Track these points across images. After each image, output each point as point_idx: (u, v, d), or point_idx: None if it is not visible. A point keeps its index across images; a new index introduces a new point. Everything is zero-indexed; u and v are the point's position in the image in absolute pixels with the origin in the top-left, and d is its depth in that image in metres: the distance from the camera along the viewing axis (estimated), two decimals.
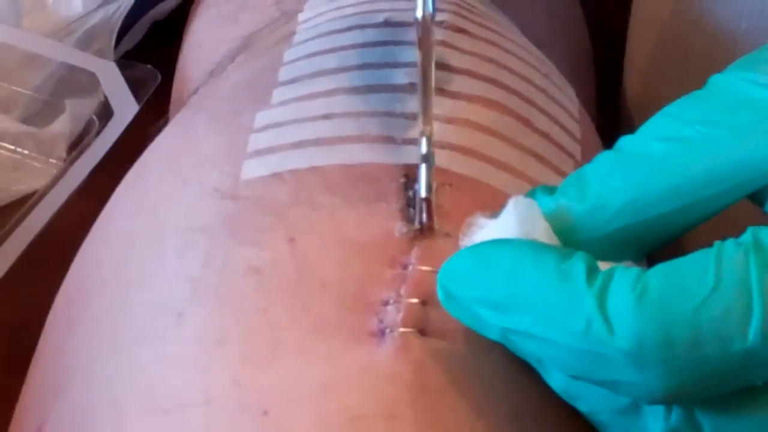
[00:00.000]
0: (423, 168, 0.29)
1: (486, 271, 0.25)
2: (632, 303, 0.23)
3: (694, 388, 0.23)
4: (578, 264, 0.24)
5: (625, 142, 0.26)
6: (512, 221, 0.26)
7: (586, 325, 0.23)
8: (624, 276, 0.23)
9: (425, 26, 0.29)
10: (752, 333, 0.22)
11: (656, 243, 0.26)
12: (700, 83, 0.28)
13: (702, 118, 0.25)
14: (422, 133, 0.29)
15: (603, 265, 0.25)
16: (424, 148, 0.29)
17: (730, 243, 0.23)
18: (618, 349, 0.23)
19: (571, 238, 0.26)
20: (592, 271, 0.24)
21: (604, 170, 0.26)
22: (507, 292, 0.24)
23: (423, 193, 0.29)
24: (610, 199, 0.25)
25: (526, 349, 0.25)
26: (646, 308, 0.23)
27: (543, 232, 0.26)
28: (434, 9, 0.29)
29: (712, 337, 0.23)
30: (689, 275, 0.23)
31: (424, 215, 0.29)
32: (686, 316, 0.23)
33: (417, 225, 0.29)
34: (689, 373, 0.23)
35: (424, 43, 0.29)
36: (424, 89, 0.29)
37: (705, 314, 0.23)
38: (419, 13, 0.29)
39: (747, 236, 0.23)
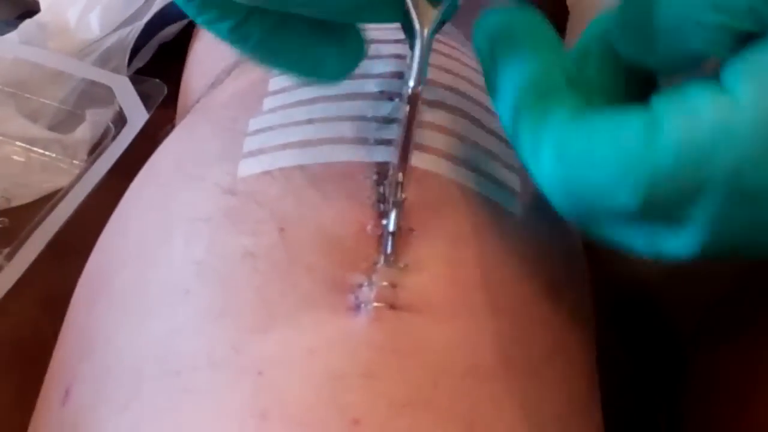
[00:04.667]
0: (393, 213, 0.29)
1: None
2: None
3: None
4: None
5: None
6: None
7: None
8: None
9: (413, 101, 0.28)
10: None
11: None
12: None
13: None
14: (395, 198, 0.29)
15: None
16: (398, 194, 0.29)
17: None
18: None
19: None
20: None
21: None
22: None
23: (391, 228, 0.29)
24: None
25: None
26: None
27: None
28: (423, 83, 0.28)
29: None
30: None
31: (389, 246, 0.29)
32: None
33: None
34: None
35: (408, 119, 0.28)
36: (402, 154, 0.29)
37: None
38: (410, 84, 0.28)
39: None
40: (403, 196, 0.29)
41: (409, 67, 0.28)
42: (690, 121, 0.23)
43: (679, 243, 0.25)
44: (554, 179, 0.25)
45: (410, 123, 0.28)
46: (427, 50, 0.28)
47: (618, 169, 0.24)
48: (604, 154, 0.24)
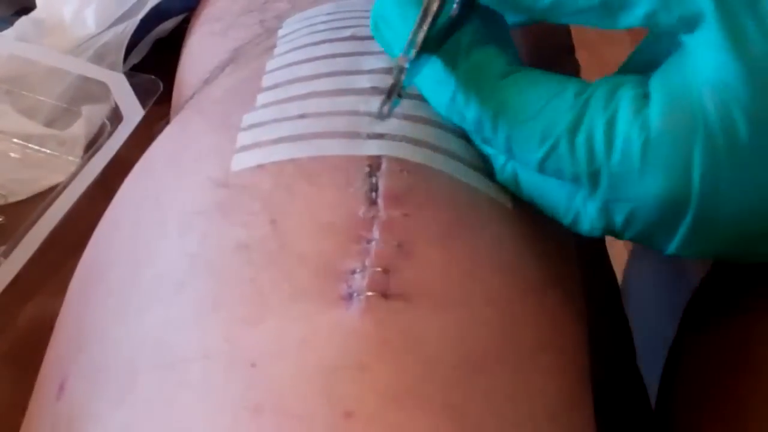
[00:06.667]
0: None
1: None
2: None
3: None
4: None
5: None
6: None
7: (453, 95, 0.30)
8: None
9: None
10: None
11: None
12: None
13: None
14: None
15: None
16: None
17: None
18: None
19: None
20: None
21: None
22: None
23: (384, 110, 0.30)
24: None
25: None
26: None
27: None
28: None
29: None
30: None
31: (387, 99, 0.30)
32: None
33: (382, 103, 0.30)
34: None
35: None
36: (421, 17, 0.29)
37: None
38: None
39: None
40: (403, 87, 0.30)
41: None
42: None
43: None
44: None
45: None
46: None
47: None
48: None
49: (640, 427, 0.45)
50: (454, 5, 0.30)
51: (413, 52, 0.29)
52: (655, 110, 0.27)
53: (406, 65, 0.29)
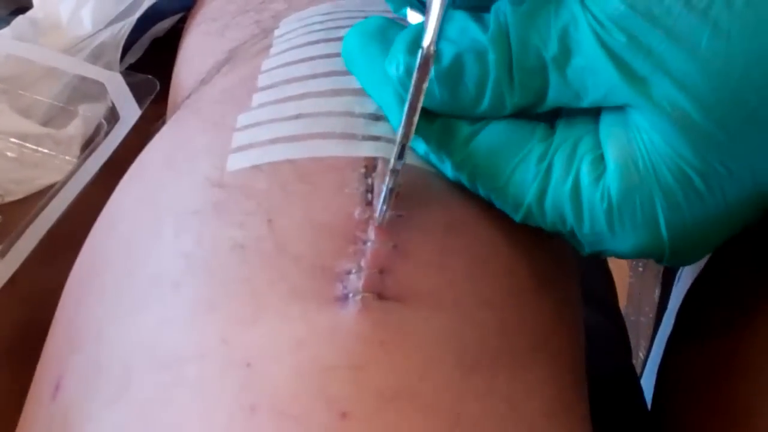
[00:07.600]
0: (389, 177, 0.29)
1: None
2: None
3: None
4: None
5: None
6: None
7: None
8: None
9: (425, 59, 0.28)
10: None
11: None
12: None
13: None
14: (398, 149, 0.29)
15: None
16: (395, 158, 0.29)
17: None
18: None
19: None
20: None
21: None
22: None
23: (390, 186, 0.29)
24: None
25: None
26: None
27: None
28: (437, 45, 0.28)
29: None
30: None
31: (385, 205, 0.29)
32: None
33: (380, 211, 0.29)
34: None
35: (418, 76, 0.28)
36: (408, 115, 0.29)
37: None
38: (425, 43, 0.28)
39: None
40: (401, 183, 0.29)
41: (425, 22, 0.28)
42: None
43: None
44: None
45: (418, 88, 0.28)
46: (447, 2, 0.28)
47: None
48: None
49: (635, 427, 0.45)
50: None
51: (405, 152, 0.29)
52: (613, 177, 0.28)
53: (400, 167, 0.29)
